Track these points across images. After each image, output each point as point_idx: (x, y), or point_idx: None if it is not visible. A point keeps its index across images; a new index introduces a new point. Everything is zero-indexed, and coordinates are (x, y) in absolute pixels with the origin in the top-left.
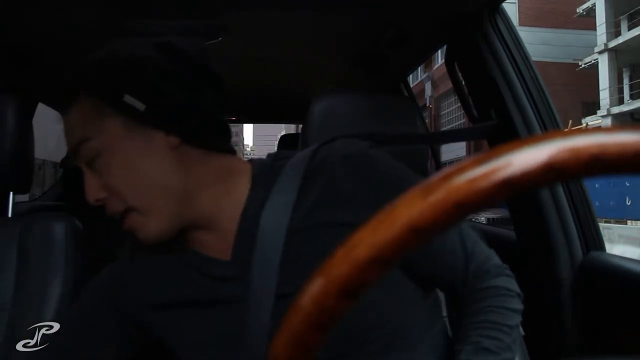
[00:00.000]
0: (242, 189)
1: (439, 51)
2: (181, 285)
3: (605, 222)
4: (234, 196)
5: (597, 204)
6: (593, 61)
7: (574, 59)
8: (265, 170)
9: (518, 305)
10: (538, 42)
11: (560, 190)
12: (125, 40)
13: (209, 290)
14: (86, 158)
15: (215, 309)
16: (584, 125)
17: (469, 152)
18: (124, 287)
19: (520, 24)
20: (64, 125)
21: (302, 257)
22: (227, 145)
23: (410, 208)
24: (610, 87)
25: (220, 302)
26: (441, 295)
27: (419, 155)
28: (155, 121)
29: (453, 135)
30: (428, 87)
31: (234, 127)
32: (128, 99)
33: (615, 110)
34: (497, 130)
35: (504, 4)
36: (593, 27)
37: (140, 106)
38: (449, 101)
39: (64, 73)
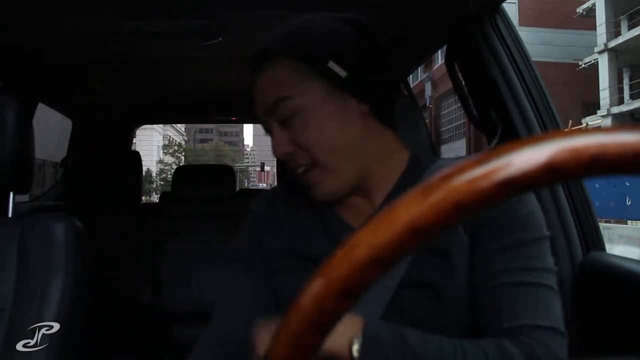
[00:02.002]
0: (398, 168)
1: (439, 51)
2: (309, 243)
3: (606, 222)
4: (391, 173)
5: (597, 204)
6: (593, 61)
7: (574, 59)
8: (420, 161)
9: None
10: (538, 42)
11: (560, 190)
12: (321, 14)
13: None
14: (282, 115)
15: None
16: (584, 125)
17: (469, 152)
18: (265, 229)
19: (520, 24)
20: (258, 83)
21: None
22: (394, 122)
23: (410, 208)
24: (610, 87)
25: None
26: None
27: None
28: (353, 88)
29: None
30: (428, 87)
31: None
32: (332, 65)
33: (615, 110)
34: (497, 130)
35: (504, 4)
36: (593, 27)
37: (343, 73)
38: (449, 101)
39: (267, 36)
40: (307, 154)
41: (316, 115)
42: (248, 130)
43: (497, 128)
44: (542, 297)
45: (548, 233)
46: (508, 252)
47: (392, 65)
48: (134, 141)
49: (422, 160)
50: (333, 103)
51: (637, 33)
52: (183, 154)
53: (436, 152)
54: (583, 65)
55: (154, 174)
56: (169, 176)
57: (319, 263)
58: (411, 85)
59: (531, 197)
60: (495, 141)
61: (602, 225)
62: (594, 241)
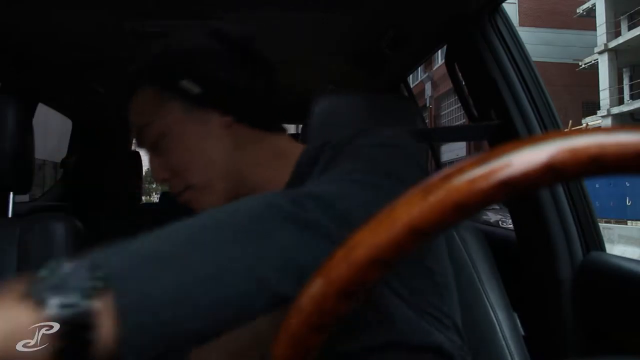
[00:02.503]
0: (288, 168)
1: (439, 51)
2: None
3: (606, 222)
4: (280, 177)
5: (597, 204)
6: (593, 61)
7: (574, 60)
8: (310, 154)
9: None
10: (538, 43)
11: (560, 190)
12: (178, 31)
13: None
14: (149, 141)
15: None
16: (584, 125)
17: (469, 152)
18: None
19: (520, 24)
20: (129, 115)
21: None
22: (278, 125)
23: (410, 208)
24: (610, 87)
25: None
26: None
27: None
28: (210, 102)
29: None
30: (428, 87)
31: None
32: (184, 84)
33: (615, 110)
34: (497, 130)
35: (504, 4)
36: (593, 27)
37: (196, 90)
38: (449, 101)
39: (128, 67)
40: (180, 179)
41: (178, 137)
42: None
43: (497, 128)
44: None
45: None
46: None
47: (392, 65)
48: (134, 141)
49: (312, 152)
50: (192, 122)
51: (637, 33)
52: None
53: (435, 152)
54: (583, 66)
55: None
56: None
57: None
58: (411, 86)
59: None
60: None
61: (602, 225)
62: (594, 241)
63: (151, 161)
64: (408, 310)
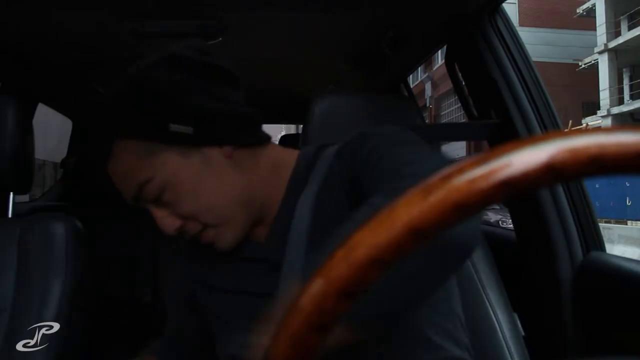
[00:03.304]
0: (285, 177)
1: (439, 51)
2: (222, 271)
3: (606, 222)
4: (279, 187)
5: (597, 204)
6: (593, 61)
7: (574, 60)
8: (307, 160)
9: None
10: (538, 43)
11: (560, 190)
12: (131, 70)
13: (245, 274)
14: (152, 197)
15: (249, 294)
16: (584, 125)
17: (469, 152)
18: (189, 262)
19: (520, 24)
20: (112, 173)
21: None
22: (265, 135)
23: (410, 208)
24: (610, 87)
25: (258, 289)
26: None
27: None
28: (206, 138)
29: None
30: (428, 87)
31: None
32: (174, 127)
33: (615, 110)
34: (497, 130)
35: (504, 4)
36: (593, 27)
37: (188, 130)
38: (449, 101)
39: (93, 128)
40: (195, 221)
41: (184, 184)
42: None
43: (497, 128)
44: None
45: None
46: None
47: (392, 65)
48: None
49: (309, 157)
50: (193, 163)
51: (637, 33)
52: None
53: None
54: (583, 66)
55: None
56: None
57: (242, 290)
58: (411, 86)
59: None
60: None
61: (602, 225)
62: (594, 241)
63: (157, 215)
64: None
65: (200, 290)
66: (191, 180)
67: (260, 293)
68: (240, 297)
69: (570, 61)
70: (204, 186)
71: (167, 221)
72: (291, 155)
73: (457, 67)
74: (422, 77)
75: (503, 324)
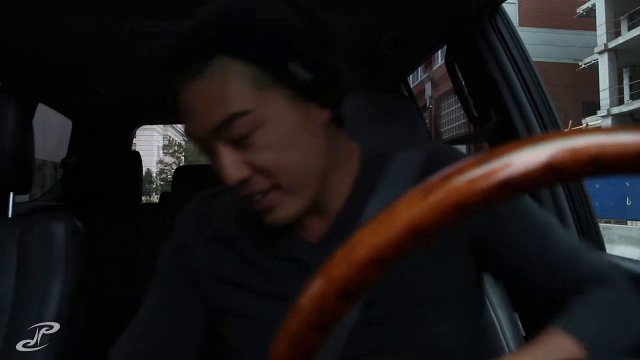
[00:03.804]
0: (351, 172)
1: (439, 51)
2: (261, 270)
3: (606, 222)
4: (345, 179)
5: (597, 204)
6: (593, 61)
7: (574, 60)
8: (374, 159)
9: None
10: (538, 43)
11: (560, 190)
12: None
13: (291, 277)
14: (236, 134)
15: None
16: (584, 125)
17: (469, 152)
18: (192, 252)
19: (520, 24)
20: (195, 95)
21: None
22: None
23: (410, 208)
24: (610, 87)
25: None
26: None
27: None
28: (315, 93)
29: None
30: (428, 87)
31: None
32: (294, 67)
33: (615, 110)
34: (497, 130)
35: (504, 4)
36: (593, 28)
37: (306, 76)
38: (449, 101)
39: (195, 31)
40: (265, 177)
41: (278, 131)
42: None
43: (497, 128)
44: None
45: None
46: (523, 230)
47: (392, 65)
48: (134, 141)
49: (377, 158)
50: (296, 113)
51: (637, 33)
52: (183, 154)
53: None
54: (583, 66)
55: (154, 174)
56: (169, 176)
57: (270, 294)
58: (411, 86)
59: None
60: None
61: (602, 225)
62: (594, 241)
63: (227, 158)
64: None
65: (219, 289)
66: (287, 130)
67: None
68: (282, 304)
69: (570, 61)
70: (294, 141)
71: (235, 168)
72: (355, 153)
73: (457, 67)
74: (422, 77)
75: (503, 324)
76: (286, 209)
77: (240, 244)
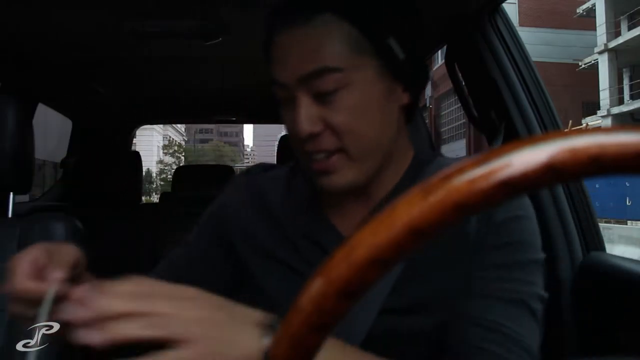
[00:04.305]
0: (401, 169)
1: (439, 51)
2: (287, 245)
3: (606, 222)
4: (392, 175)
5: (597, 204)
6: (593, 61)
7: (574, 60)
8: (422, 164)
9: None
10: (538, 43)
11: (560, 190)
12: None
13: (313, 259)
14: (322, 88)
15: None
16: (584, 125)
17: (469, 152)
18: (235, 215)
19: (520, 24)
20: (296, 40)
21: (419, 263)
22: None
23: (410, 208)
24: (610, 87)
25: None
26: None
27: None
28: (405, 74)
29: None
30: (428, 87)
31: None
32: (392, 43)
33: (615, 110)
34: (497, 130)
35: (504, 4)
36: (593, 27)
37: (401, 54)
38: (449, 101)
39: None
40: (335, 137)
41: (362, 97)
42: (248, 130)
43: (497, 128)
44: (526, 318)
45: (543, 257)
46: (502, 270)
47: None
48: (134, 141)
49: (424, 161)
50: (382, 87)
51: (637, 33)
52: (183, 154)
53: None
54: (583, 66)
55: (154, 174)
56: (169, 176)
57: (300, 270)
58: None
59: (531, 217)
60: (497, 140)
61: (602, 225)
62: (594, 241)
63: (305, 109)
64: None
65: (251, 253)
66: (369, 99)
67: None
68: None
69: (570, 61)
70: (374, 112)
71: (310, 120)
72: (409, 153)
73: (457, 67)
74: None
75: None
76: (345, 174)
77: (280, 218)
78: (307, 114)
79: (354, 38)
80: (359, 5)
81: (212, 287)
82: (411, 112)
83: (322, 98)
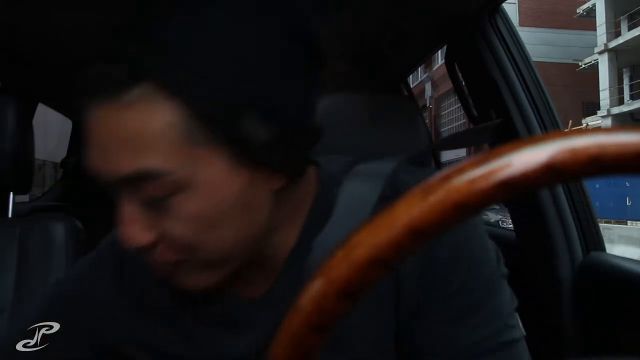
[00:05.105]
0: (302, 217)
1: (439, 51)
2: (187, 333)
3: (606, 222)
4: (292, 230)
5: (597, 204)
6: (593, 61)
7: (574, 60)
8: (331, 184)
9: None
10: (538, 43)
11: (560, 190)
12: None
13: (222, 341)
14: (149, 192)
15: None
16: (584, 125)
17: (469, 152)
18: (106, 311)
19: (520, 24)
20: (103, 128)
21: None
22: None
23: (410, 208)
24: (610, 87)
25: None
26: None
27: (420, 155)
28: (273, 157)
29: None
30: (428, 87)
31: None
32: (248, 122)
33: (615, 110)
34: (497, 130)
35: (504, 4)
36: (593, 28)
37: (263, 135)
38: (449, 101)
39: (121, 39)
40: (175, 248)
41: (206, 201)
42: None
43: (497, 128)
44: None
45: (501, 267)
46: (464, 320)
47: (392, 65)
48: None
49: (332, 185)
50: (237, 180)
51: (637, 33)
52: None
53: (436, 153)
54: (583, 66)
55: None
56: None
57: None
58: (411, 86)
59: (475, 226)
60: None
61: (602, 225)
62: (594, 241)
63: (128, 215)
64: None
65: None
66: (220, 201)
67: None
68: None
69: (570, 61)
70: (228, 216)
71: (137, 231)
72: (312, 181)
73: (457, 67)
74: (422, 77)
75: None
76: (197, 280)
77: (165, 305)
78: (134, 222)
79: (187, 123)
80: (191, 71)
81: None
82: (301, 171)
83: (153, 204)
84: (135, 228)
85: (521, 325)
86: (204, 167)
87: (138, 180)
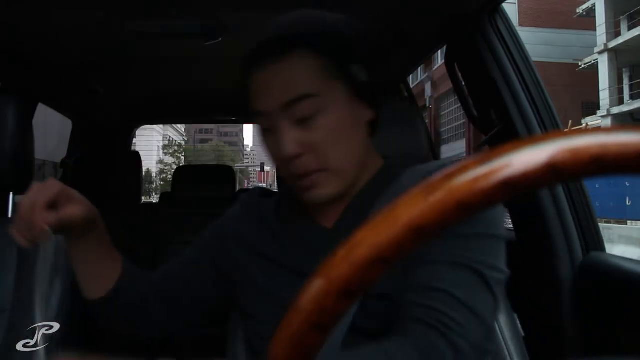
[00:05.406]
0: (369, 174)
1: (439, 51)
2: (284, 245)
3: (606, 222)
4: (364, 178)
5: (597, 204)
6: (593, 61)
7: (574, 60)
8: (388, 169)
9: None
10: (538, 43)
11: (560, 190)
12: (333, 14)
13: (307, 256)
14: (301, 114)
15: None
16: (584, 125)
17: (469, 152)
18: (235, 226)
19: (520, 24)
20: (274, 75)
21: None
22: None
23: (412, 208)
24: (610, 87)
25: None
26: None
27: (420, 155)
28: (367, 94)
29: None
30: (428, 87)
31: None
32: (355, 68)
33: (615, 110)
34: (497, 130)
35: (504, 4)
36: (593, 28)
37: (363, 77)
38: (449, 101)
39: (283, 23)
40: (316, 156)
41: (337, 118)
42: (248, 130)
43: (497, 128)
44: (478, 286)
45: (504, 234)
46: (457, 239)
47: (392, 65)
48: (134, 141)
49: (393, 170)
50: (351, 107)
51: (637, 33)
52: (183, 154)
53: (436, 153)
54: (583, 66)
55: (154, 174)
56: (169, 176)
57: (291, 270)
58: (411, 86)
59: None
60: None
61: (602, 225)
62: (594, 241)
63: (288, 133)
64: None
65: (248, 258)
66: (343, 119)
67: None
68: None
69: (570, 61)
70: (347, 131)
71: (293, 144)
72: (378, 161)
73: (457, 67)
74: (422, 77)
75: (503, 324)
76: (327, 189)
77: (271, 225)
78: (290, 137)
79: (324, 66)
80: (327, 40)
81: (202, 297)
82: (375, 126)
83: (301, 123)
84: (291, 143)
85: (505, 269)
86: (333, 94)
87: (298, 101)
